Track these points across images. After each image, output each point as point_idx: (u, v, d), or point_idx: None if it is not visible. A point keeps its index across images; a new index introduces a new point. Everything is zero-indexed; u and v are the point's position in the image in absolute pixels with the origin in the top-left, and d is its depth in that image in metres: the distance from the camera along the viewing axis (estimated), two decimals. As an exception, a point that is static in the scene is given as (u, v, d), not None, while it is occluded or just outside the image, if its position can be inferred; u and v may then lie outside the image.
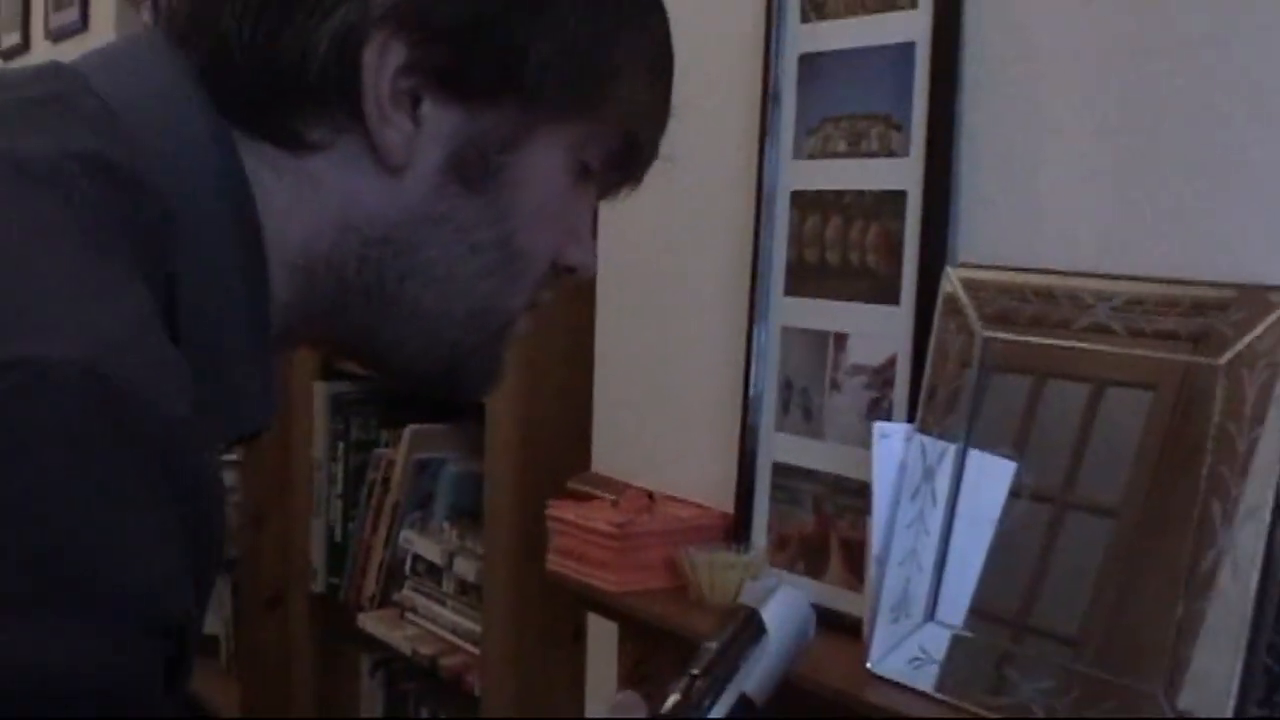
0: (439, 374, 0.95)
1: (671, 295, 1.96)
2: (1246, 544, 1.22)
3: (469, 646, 2.31)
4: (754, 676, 0.92)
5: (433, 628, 2.43)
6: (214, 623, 3.43)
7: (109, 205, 0.76)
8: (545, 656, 2.19)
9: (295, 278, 0.87)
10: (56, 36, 4.14)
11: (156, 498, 0.69)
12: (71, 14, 3.85)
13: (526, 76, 0.87)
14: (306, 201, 0.86)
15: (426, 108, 0.86)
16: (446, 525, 2.51)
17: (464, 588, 2.37)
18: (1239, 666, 1.21)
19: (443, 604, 2.42)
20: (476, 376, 0.96)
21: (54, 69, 0.85)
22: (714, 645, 0.95)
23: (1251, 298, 1.26)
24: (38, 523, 0.66)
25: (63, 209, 0.74)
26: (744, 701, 0.91)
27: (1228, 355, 1.27)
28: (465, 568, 2.36)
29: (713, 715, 0.91)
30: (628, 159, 0.96)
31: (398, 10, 0.83)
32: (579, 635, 2.15)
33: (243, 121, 0.85)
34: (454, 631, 2.37)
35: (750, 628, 0.92)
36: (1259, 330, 1.25)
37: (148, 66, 0.84)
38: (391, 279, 0.88)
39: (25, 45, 4.48)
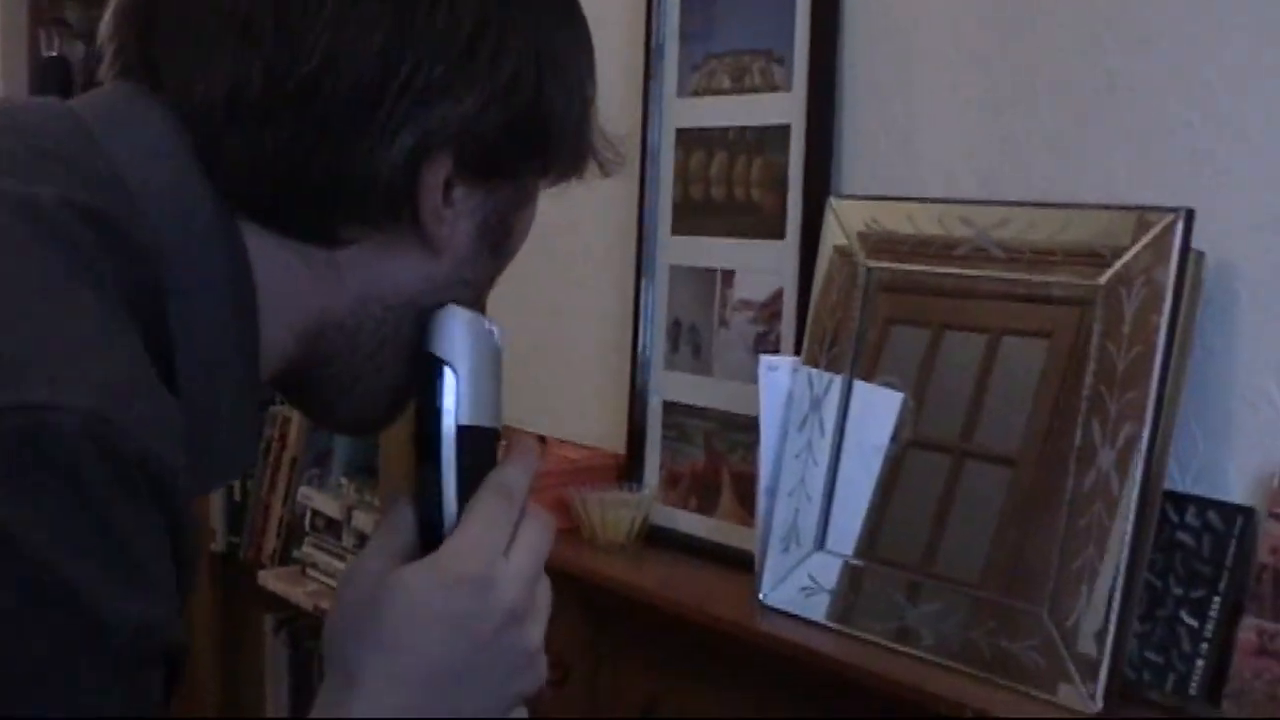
0: (375, 419, 0.96)
1: (560, 239, 1.95)
2: (1125, 462, 1.24)
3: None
4: (462, 408, 0.89)
5: (334, 583, 2.42)
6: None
7: (107, 259, 0.77)
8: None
9: (301, 342, 0.88)
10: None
11: (157, 538, 0.72)
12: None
13: (549, 156, 0.91)
14: (328, 283, 0.87)
15: (458, 192, 0.87)
16: (344, 480, 2.49)
17: (364, 541, 2.35)
18: (1119, 582, 1.23)
19: (343, 559, 2.41)
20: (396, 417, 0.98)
21: (68, 120, 0.83)
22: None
23: (1126, 219, 1.27)
24: (42, 567, 0.68)
25: (69, 256, 0.75)
26: (468, 433, 0.89)
27: (1106, 276, 1.28)
28: (364, 521, 2.34)
29: (444, 466, 0.89)
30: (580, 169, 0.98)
31: (448, 130, 0.84)
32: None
33: (262, 217, 0.84)
34: (356, 584, 2.36)
35: (425, 371, 0.91)
36: (1135, 250, 1.26)
37: (158, 141, 0.83)
38: (402, 335, 0.90)
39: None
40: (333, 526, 2.45)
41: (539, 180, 0.93)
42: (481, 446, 0.90)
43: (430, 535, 0.88)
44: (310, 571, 2.47)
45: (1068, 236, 1.31)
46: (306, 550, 2.49)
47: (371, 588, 0.85)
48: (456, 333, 0.90)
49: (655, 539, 1.71)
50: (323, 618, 2.27)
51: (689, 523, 1.70)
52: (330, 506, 2.45)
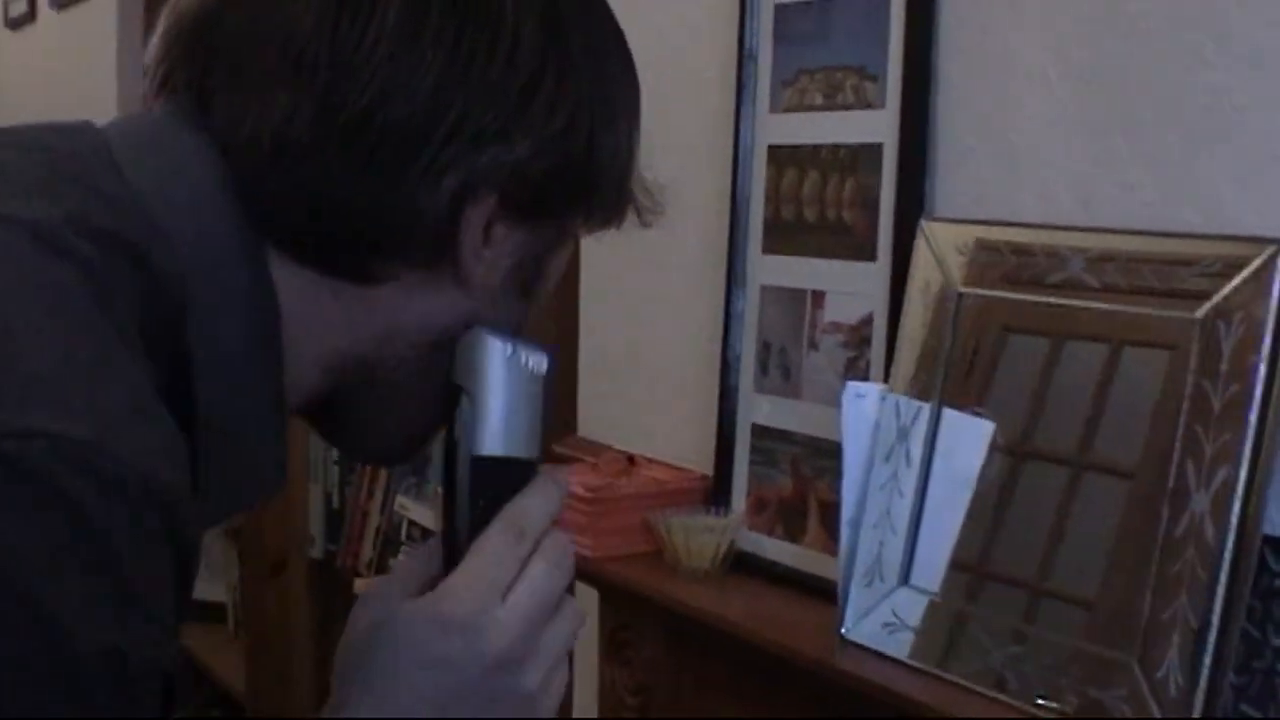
0: (397, 452, 0.96)
1: (653, 257, 1.91)
2: (1221, 506, 1.17)
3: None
4: (478, 438, 0.86)
5: (427, 593, 2.40)
6: (220, 589, 3.42)
7: (119, 281, 0.76)
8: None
9: (325, 375, 0.87)
10: (60, 5, 4.11)
11: (159, 565, 0.72)
12: (74, -17, 3.83)
13: (592, 202, 0.90)
14: (357, 318, 0.86)
15: (498, 231, 0.86)
16: (440, 490, 2.48)
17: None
18: (1213, 633, 1.17)
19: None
20: (417, 453, 0.97)
21: (94, 143, 0.83)
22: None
23: (1228, 249, 1.21)
24: (27, 597, 0.67)
25: (75, 279, 0.75)
26: (483, 463, 0.86)
27: (1203, 310, 1.22)
28: (458, 533, 2.33)
29: (459, 496, 0.86)
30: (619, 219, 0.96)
31: (497, 175, 0.84)
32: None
33: (296, 250, 0.83)
34: (447, 597, 2.34)
35: (449, 398, 0.87)
36: (1235, 283, 1.20)
37: (186, 167, 0.82)
38: (421, 373, 0.89)
39: (32, 15, 4.45)
40: (427, 536, 2.44)
41: (578, 225, 0.91)
42: (504, 478, 0.87)
43: (449, 566, 0.86)
44: (405, 581, 2.47)
45: (1164, 267, 1.25)
46: (401, 559, 2.49)
47: (374, 619, 0.84)
48: (477, 359, 0.87)
49: (741, 565, 1.67)
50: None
51: (775, 550, 1.65)
52: (425, 516, 2.44)
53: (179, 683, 0.75)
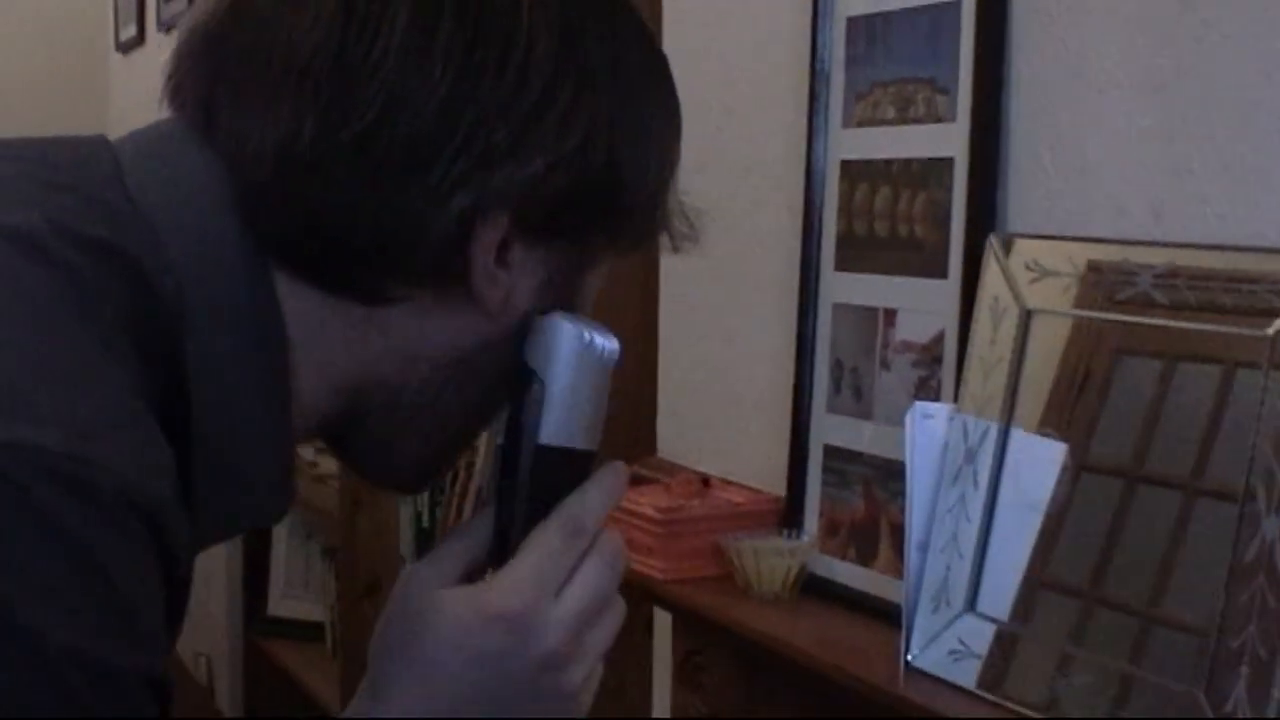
0: (418, 477, 0.94)
1: (731, 276, 1.89)
2: (1293, 531, 1.12)
3: (547, 635, 2.26)
4: (545, 426, 0.83)
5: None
6: (319, 609, 3.44)
7: (108, 289, 0.76)
8: (618, 647, 2.11)
9: (339, 396, 0.86)
10: (168, 27, 4.18)
11: (145, 575, 0.71)
12: (180, 4, 3.88)
13: (618, 222, 0.87)
14: (368, 339, 0.84)
15: (516, 251, 0.84)
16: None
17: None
18: (1283, 664, 1.12)
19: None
20: (431, 481, 0.99)
21: (98, 155, 0.82)
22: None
23: (1300, 263, 1.16)
24: (5, 609, 0.67)
25: (54, 285, 0.74)
26: (547, 452, 0.83)
27: (1275, 326, 1.17)
28: (541, 554, 2.31)
29: (519, 485, 0.83)
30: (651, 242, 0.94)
31: (509, 193, 0.81)
32: (651, 626, 2.09)
33: (302, 269, 0.82)
34: (534, 619, 2.33)
35: (517, 379, 0.85)
36: (1308, 298, 1.15)
37: (191, 181, 0.81)
38: (448, 398, 0.87)
39: (141, 38, 4.53)
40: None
41: (603, 247, 0.88)
42: (565, 469, 0.85)
43: (501, 553, 0.84)
44: (492, 602, 2.45)
45: (1235, 281, 1.20)
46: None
47: (418, 604, 0.82)
48: (555, 344, 0.85)
49: (813, 589, 1.63)
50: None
51: (847, 573, 1.62)
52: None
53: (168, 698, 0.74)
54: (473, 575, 0.85)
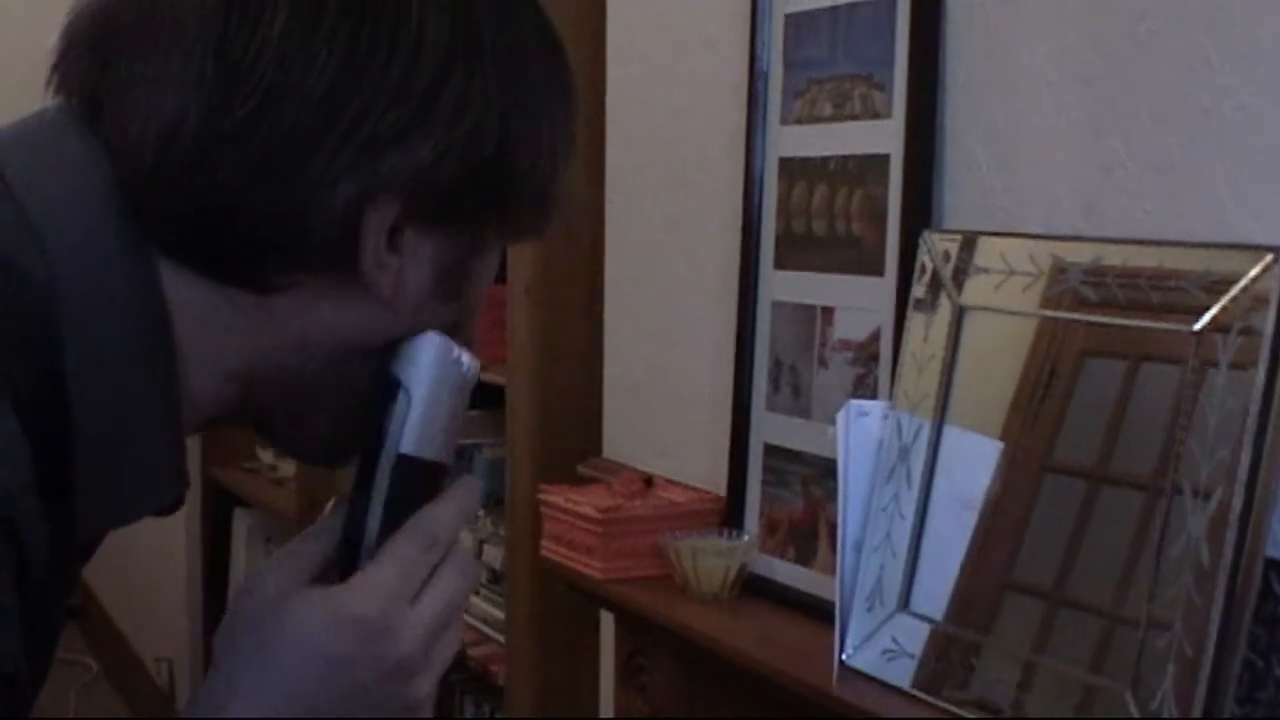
0: (325, 457, 0.93)
1: (674, 275, 1.88)
2: (1218, 529, 1.12)
3: (498, 636, 2.26)
4: (408, 436, 0.83)
5: (465, 617, 2.37)
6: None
7: None
8: (568, 648, 2.12)
9: (236, 383, 0.85)
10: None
11: None
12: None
13: (510, 208, 0.86)
14: (258, 326, 0.83)
15: (408, 237, 0.83)
16: (481, 513, 2.45)
17: (495, 576, 2.31)
18: (1208, 662, 1.11)
19: (475, 593, 2.37)
20: (346, 458, 0.93)
21: None
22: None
23: (1224, 259, 1.15)
24: None
25: None
26: (407, 463, 0.83)
27: (1200, 323, 1.16)
28: (493, 555, 2.30)
29: (375, 492, 0.83)
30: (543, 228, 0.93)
31: (397, 180, 0.80)
32: (598, 626, 2.08)
33: (187, 259, 0.81)
34: (485, 621, 2.32)
35: (381, 389, 0.84)
36: (1233, 293, 1.14)
37: (68, 172, 0.80)
38: (348, 378, 0.86)
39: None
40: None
41: (498, 233, 0.87)
42: (421, 479, 0.84)
43: (348, 560, 0.83)
44: (445, 605, 2.43)
45: (1162, 277, 1.20)
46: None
47: (268, 604, 0.81)
48: (422, 357, 0.85)
49: (754, 589, 1.62)
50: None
51: (787, 573, 1.61)
52: (465, 539, 2.41)
53: (19, 684, 0.73)
54: (321, 579, 0.84)
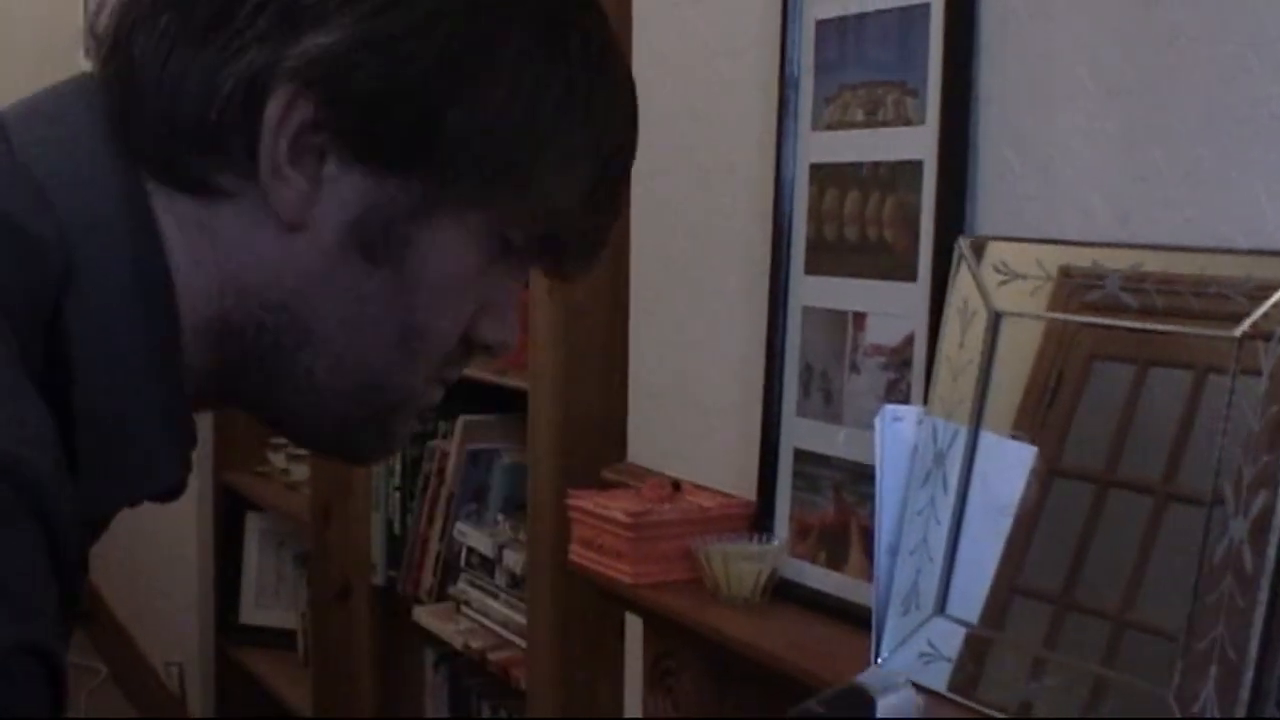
0: (330, 443, 0.91)
1: (698, 279, 1.89)
2: (1260, 533, 1.12)
3: (519, 640, 2.26)
4: None
5: (485, 621, 2.38)
6: (290, 617, 3.42)
7: None
8: (589, 652, 2.12)
9: (200, 340, 0.82)
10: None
11: (29, 551, 0.68)
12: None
13: (439, 150, 0.80)
14: (205, 256, 0.81)
15: (330, 167, 0.79)
16: (501, 517, 2.45)
17: (515, 581, 2.32)
18: (1251, 664, 1.11)
19: (495, 597, 2.37)
20: (367, 449, 0.91)
21: None
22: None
23: (1269, 265, 1.16)
24: None
25: None
26: None
27: (1241, 328, 1.17)
28: (514, 560, 2.30)
29: None
30: (552, 248, 0.88)
31: (311, 67, 0.77)
32: (622, 630, 2.08)
33: (151, 165, 0.80)
34: (505, 626, 2.32)
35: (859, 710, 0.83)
36: (1275, 299, 1.15)
37: (67, 115, 0.80)
38: (287, 348, 0.83)
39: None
40: (486, 564, 2.41)
41: (438, 198, 0.81)
42: None
43: None
44: (464, 609, 2.44)
45: (1203, 284, 1.20)
46: (461, 587, 2.46)
47: None
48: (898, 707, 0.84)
49: (784, 593, 1.63)
50: (471, 656, 2.20)
51: (818, 577, 1.62)
52: (484, 543, 2.42)
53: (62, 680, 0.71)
54: None
